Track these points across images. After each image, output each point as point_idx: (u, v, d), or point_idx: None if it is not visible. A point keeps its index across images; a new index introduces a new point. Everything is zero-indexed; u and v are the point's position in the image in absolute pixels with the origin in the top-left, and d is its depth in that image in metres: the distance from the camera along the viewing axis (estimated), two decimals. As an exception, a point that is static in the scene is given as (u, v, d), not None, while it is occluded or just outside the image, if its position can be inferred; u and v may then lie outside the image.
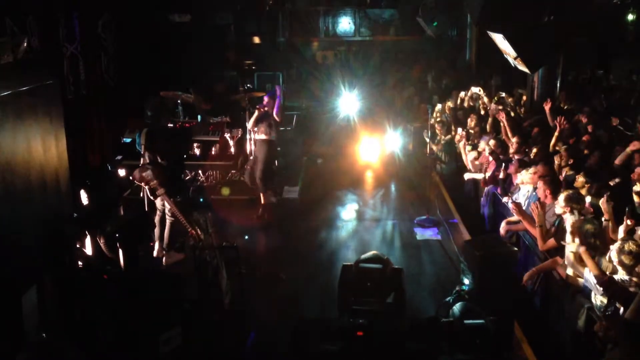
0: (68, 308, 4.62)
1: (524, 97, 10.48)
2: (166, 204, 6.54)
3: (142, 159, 6.65)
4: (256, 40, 15.39)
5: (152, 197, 6.50)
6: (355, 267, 4.80)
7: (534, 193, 6.44)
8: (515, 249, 6.07)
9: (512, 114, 9.50)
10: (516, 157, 7.64)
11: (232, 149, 9.35)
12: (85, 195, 6.27)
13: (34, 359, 3.53)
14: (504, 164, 7.54)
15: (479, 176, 8.40)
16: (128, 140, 8.72)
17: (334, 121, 11.64)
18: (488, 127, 9.53)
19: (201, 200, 8.47)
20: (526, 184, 6.74)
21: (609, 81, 12.59)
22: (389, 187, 9.79)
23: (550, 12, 6.36)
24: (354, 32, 16.32)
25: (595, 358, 4.21)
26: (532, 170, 6.70)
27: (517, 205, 6.08)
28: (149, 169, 6.39)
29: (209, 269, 5.39)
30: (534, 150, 7.46)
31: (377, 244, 7.36)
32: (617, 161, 6.41)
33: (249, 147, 9.35)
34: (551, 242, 5.47)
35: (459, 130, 9.31)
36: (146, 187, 6.45)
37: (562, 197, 5.37)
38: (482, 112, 10.15)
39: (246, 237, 7.48)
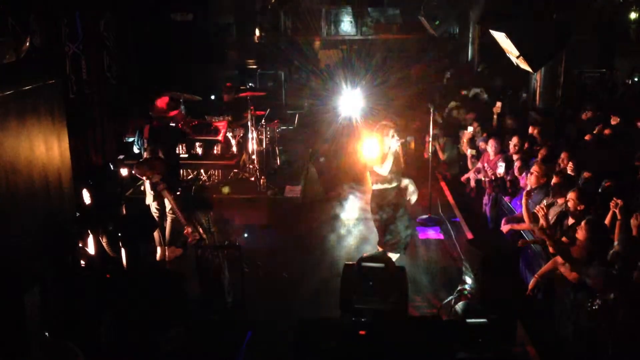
0: (70, 307, 4.63)
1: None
2: (166, 200, 6.56)
3: (144, 154, 6.68)
4: (258, 39, 15.39)
5: (153, 191, 6.53)
6: (358, 266, 4.78)
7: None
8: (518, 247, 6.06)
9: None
10: (515, 157, 7.61)
11: (234, 149, 9.34)
12: (88, 195, 6.27)
13: (38, 359, 3.54)
14: (507, 164, 7.52)
15: (481, 176, 8.38)
16: (130, 139, 8.72)
17: (336, 120, 11.63)
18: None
19: (203, 198, 8.49)
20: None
21: (612, 80, 12.57)
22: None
23: (552, 10, 6.36)
24: (356, 31, 16.32)
25: (598, 357, 4.21)
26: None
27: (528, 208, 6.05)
28: (152, 163, 6.42)
29: (211, 268, 5.40)
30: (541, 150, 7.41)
31: (380, 243, 7.34)
32: None
33: (251, 146, 9.35)
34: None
35: (469, 128, 9.29)
36: (147, 182, 6.47)
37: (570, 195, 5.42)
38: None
39: (245, 235, 7.49)
